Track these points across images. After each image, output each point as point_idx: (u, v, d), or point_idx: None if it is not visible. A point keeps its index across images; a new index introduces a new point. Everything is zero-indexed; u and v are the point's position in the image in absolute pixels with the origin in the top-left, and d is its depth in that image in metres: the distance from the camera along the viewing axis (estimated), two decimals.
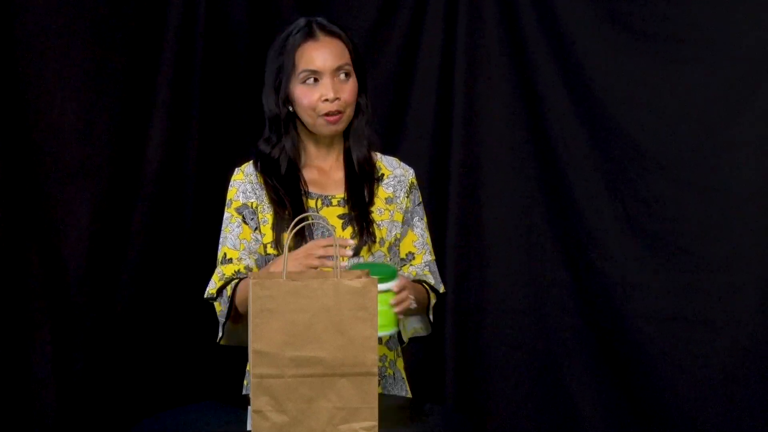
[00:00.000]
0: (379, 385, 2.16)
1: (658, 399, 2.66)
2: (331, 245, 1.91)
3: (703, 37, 2.62)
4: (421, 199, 2.25)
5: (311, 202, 2.14)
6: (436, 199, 2.70)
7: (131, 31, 2.59)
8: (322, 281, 1.73)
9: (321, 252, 1.92)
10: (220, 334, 2.14)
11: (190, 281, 2.65)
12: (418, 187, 2.25)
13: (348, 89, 2.11)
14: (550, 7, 2.73)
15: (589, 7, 2.71)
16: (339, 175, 2.19)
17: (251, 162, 2.19)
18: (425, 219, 2.26)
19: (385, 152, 2.25)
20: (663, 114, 2.66)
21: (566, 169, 2.74)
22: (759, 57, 2.58)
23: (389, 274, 1.90)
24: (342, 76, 2.10)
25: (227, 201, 2.16)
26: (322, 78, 2.09)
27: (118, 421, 2.55)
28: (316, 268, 1.93)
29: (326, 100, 2.07)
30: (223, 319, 2.12)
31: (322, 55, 2.10)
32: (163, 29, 2.64)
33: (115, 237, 2.58)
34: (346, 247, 1.97)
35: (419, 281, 2.19)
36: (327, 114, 2.09)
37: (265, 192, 2.14)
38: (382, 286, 1.85)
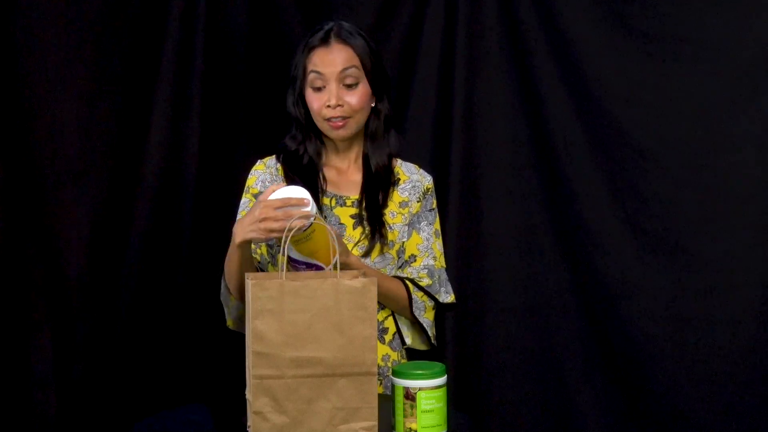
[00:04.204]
0: (381, 384, 2.17)
1: (658, 399, 2.66)
2: (288, 205, 1.89)
3: (703, 37, 2.62)
4: (434, 206, 2.28)
5: (325, 200, 2.19)
6: (436, 199, 2.69)
7: (131, 31, 2.59)
8: (321, 281, 1.73)
9: (278, 215, 1.88)
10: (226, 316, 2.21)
11: (190, 281, 2.65)
12: (433, 195, 2.29)
13: (355, 95, 2.16)
14: (550, 7, 2.73)
15: (589, 6, 2.71)
16: (356, 176, 2.24)
17: (274, 156, 2.27)
18: (436, 227, 2.28)
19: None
20: (663, 114, 2.66)
21: (566, 169, 2.74)
22: (759, 57, 2.58)
23: (441, 370, 1.84)
24: (348, 82, 2.14)
25: (245, 188, 2.24)
26: (328, 84, 2.14)
27: (119, 422, 2.55)
28: (279, 231, 1.88)
29: (328, 106, 2.12)
30: (224, 297, 2.17)
31: (328, 61, 2.15)
32: (163, 29, 2.64)
33: (115, 237, 2.57)
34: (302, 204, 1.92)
35: (397, 277, 2.21)
36: (330, 119, 2.13)
37: (284, 185, 2.18)
38: (437, 382, 1.82)
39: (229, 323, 2.23)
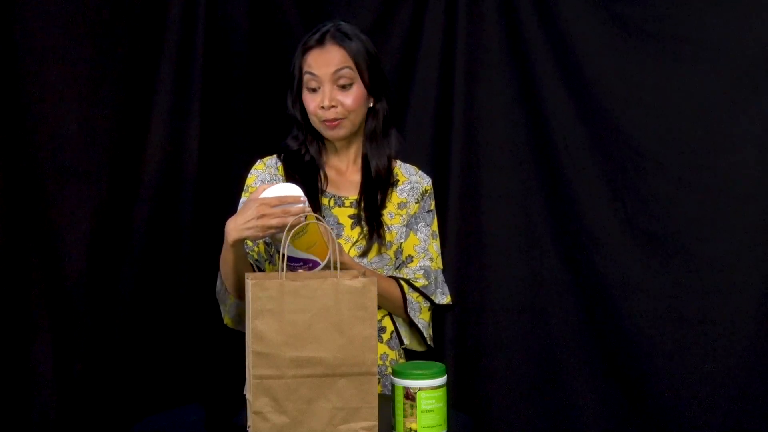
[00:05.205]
0: (379, 383, 2.17)
1: (658, 399, 2.66)
2: (284, 203, 1.90)
3: (704, 37, 2.62)
4: (432, 208, 2.29)
5: (324, 200, 2.20)
6: (436, 199, 2.70)
7: (131, 31, 2.59)
8: (321, 281, 1.73)
9: (275, 212, 1.90)
10: (222, 314, 2.23)
11: (190, 281, 2.65)
12: (432, 196, 2.30)
13: (349, 96, 2.17)
14: (550, 7, 2.73)
15: (589, 7, 2.71)
16: (355, 177, 2.25)
17: (274, 156, 2.29)
18: (434, 228, 2.29)
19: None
20: (663, 114, 2.66)
21: (566, 169, 2.74)
22: (759, 57, 2.58)
23: (441, 370, 1.86)
24: (342, 83, 2.15)
25: (245, 186, 2.28)
26: (322, 85, 2.15)
27: (119, 421, 2.55)
28: (277, 228, 1.91)
29: (322, 107, 2.13)
30: (220, 295, 2.18)
31: (322, 62, 2.16)
32: (163, 29, 2.64)
33: (115, 237, 2.57)
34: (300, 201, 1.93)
35: (392, 277, 2.22)
36: (325, 120, 2.15)
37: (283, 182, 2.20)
38: (437, 382, 1.82)
39: (227, 321, 2.24)
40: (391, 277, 2.22)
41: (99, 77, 2.53)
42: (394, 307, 2.21)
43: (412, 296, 2.21)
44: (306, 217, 1.89)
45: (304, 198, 1.92)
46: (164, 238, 2.64)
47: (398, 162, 2.31)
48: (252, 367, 1.73)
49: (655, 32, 2.66)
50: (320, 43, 2.18)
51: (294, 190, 1.93)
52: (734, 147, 2.60)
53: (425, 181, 2.30)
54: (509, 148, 2.80)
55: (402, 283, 2.21)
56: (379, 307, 2.19)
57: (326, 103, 2.15)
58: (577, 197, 2.73)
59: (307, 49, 2.19)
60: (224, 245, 2.02)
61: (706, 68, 2.62)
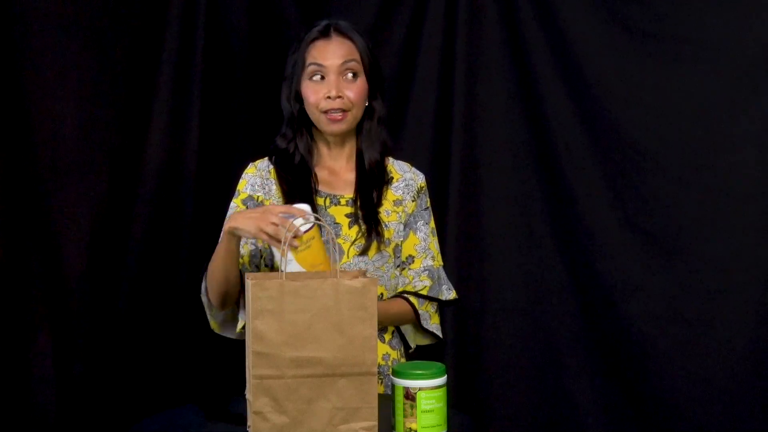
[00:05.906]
0: (380, 383, 2.17)
1: (658, 399, 2.66)
2: (289, 213, 1.92)
3: (704, 37, 2.62)
4: (428, 205, 2.28)
5: (320, 200, 2.18)
6: (436, 199, 2.70)
7: (131, 31, 2.59)
8: (321, 281, 1.73)
9: (275, 219, 1.91)
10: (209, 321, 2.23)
11: (190, 281, 2.65)
12: (427, 193, 2.29)
13: (354, 89, 2.15)
14: (550, 7, 2.73)
15: (589, 7, 2.71)
16: (349, 176, 2.23)
17: (266, 158, 2.25)
18: (432, 225, 2.28)
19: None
20: (663, 114, 2.66)
21: (566, 169, 2.74)
22: (759, 57, 2.58)
23: (441, 370, 1.84)
24: (348, 75, 2.14)
25: (236, 191, 2.24)
26: (328, 76, 2.13)
27: (119, 421, 2.55)
28: (270, 235, 1.92)
29: (328, 97, 2.11)
30: (204, 299, 2.16)
31: (329, 52, 2.15)
32: (163, 29, 2.64)
33: (115, 237, 2.58)
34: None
35: (400, 295, 2.21)
36: (329, 111, 2.13)
37: (276, 186, 2.19)
38: (437, 382, 1.82)
39: (213, 326, 2.23)
40: (397, 296, 2.21)
41: (99, 77, 2.53)
42: (407, 321, 2.23)
43: (423, 309, 2.21)
44: (312, 226, 1.91)
45: (310, 215, 1.93)
46: (164, 238, 2.64)
47: (391, 159, 2.29)
48: (252, 367, 1.73)
49: (655, 32, 2.66)
50: (326, 35, 2.17)
51: (304, 207, 1.96)
52: (734, 147, 2.61)
53: (419, 178, 2.29)
54: (509, 148, 2.80)
55: (411, 299, 2.20)
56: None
57: (333, 93, 2.13)
58: (577, 197, 2.74)
59: (311, 41, 2.17)
60: (221, 236, 2.03)
61: (706, 68, 2.62)
